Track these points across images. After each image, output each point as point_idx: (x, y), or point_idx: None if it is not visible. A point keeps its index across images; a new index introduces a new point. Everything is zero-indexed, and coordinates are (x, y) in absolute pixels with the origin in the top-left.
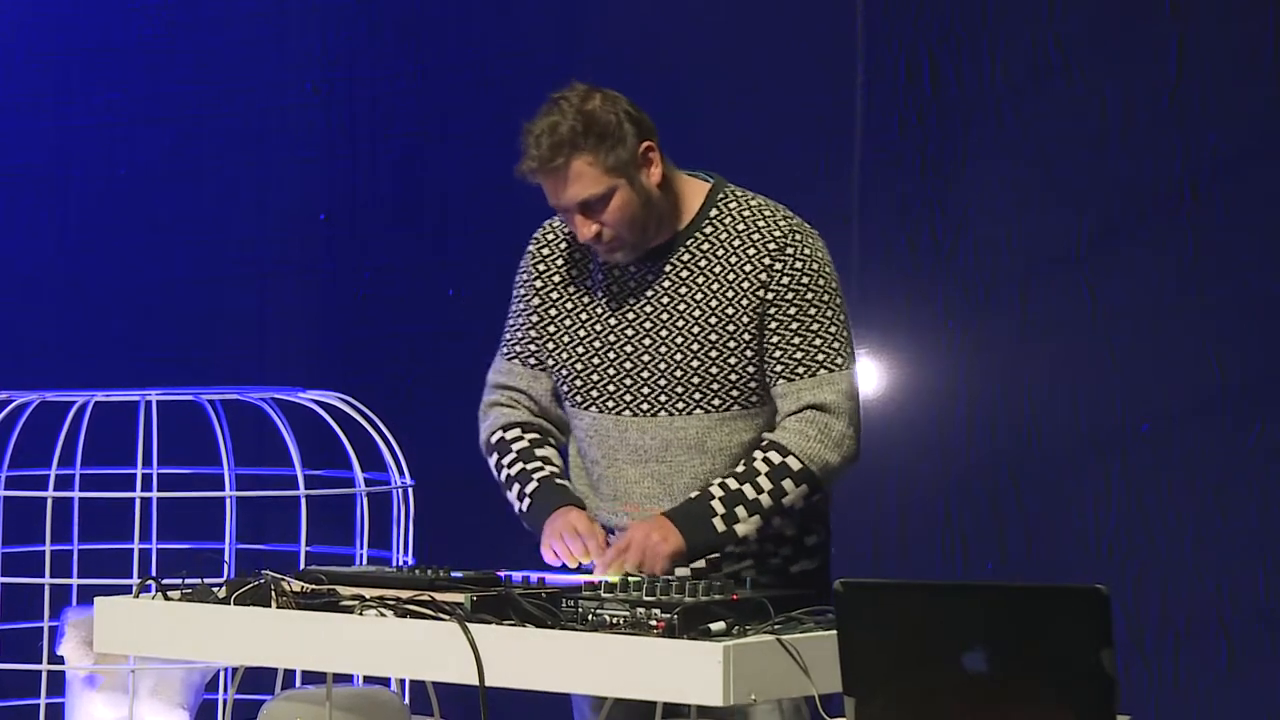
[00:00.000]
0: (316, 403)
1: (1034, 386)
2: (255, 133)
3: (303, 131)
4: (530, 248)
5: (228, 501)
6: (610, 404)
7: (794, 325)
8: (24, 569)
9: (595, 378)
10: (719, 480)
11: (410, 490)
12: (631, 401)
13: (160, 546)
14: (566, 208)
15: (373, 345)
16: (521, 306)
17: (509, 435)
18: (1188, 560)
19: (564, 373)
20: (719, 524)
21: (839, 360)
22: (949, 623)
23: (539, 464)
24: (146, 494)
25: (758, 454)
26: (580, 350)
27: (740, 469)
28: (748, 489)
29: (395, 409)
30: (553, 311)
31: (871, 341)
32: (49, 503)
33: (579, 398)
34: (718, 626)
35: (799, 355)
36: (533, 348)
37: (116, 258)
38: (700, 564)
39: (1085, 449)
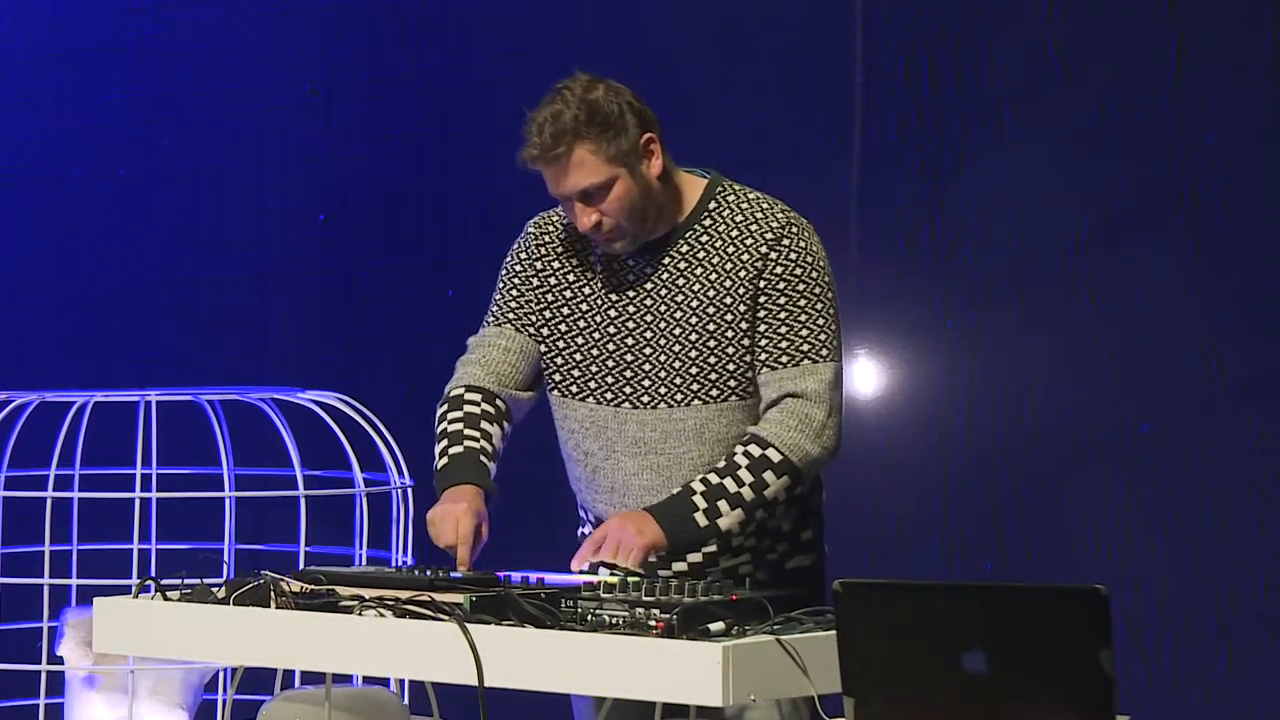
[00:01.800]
0: (316, 403)
1: (1033, 387)
2: (255, 133)
3: (303, 132)
4: (530, 229)
5: (227, 502)
6: (609, 395)
7: (782, 315)
8: (23, 569)
9: (594, 369)
10: (700, 475)
11: (409, 490)
12: (631, 394)
13: (159, 547)
14: (567, 196)
15: (372, 345)
16: (516, 282)
17: (467, 395)
18: (1187, 561)
19: (559, 361)
20: (701, 519)
21: (824, 352)
22: (948, 623)
23: (476, 434)
24: (146, 494)
25: (739, 448)
26: (579, 341)
27: (722, 463)
28: (729, 482)
29: (394, 409)
30: (550, 297)
31: (870, 341)
32: (48, 503)
33: (575, 388)
34: (717, 627)
35: (783, 344)
36: (524, 313)
37: (116, 258)
38: (697, 558)
39: (1084, 449)
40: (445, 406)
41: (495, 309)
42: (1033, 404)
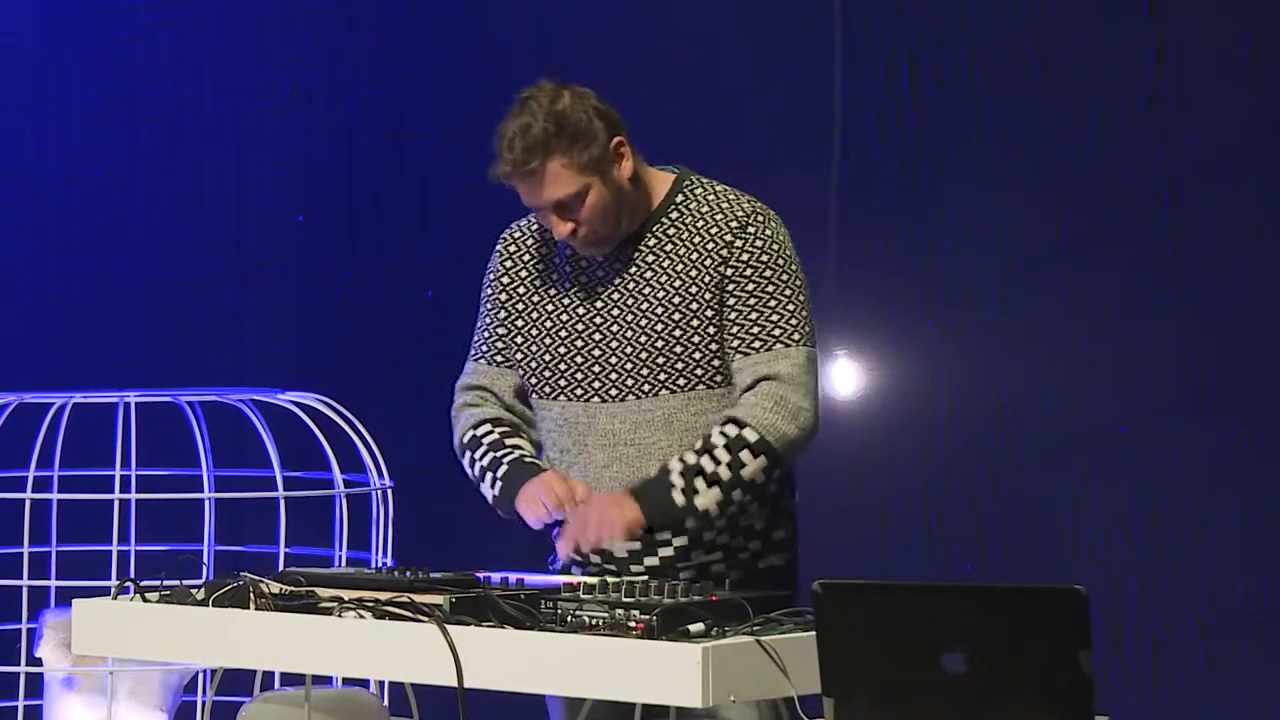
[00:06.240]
0: (295, 404)
1: (1013, 388)
2: (234, 134)
3: (283, 133)
4: (498, 247)
5: (206, 503)
6: (579, 391)
7: (751, 301)
8: (1, 570)
9: (563, 366)
10: (678, 455)
11: (389, 492)
12: (600, 388)
13: (139, 548)
14: (541, 207)
15: (352, 346)
16: (489, 307)
17: (480, 431)
18: (1166, 562)
19: (533, 365)
20: (678, 497)
21: (796, 336)
22: (927, 624)
23: (509, 450)
24: (125, 496)
25: (715, 428)
26: (548, 341)
27: (699, 444)
28: (706, 461)
29: (375, 410)
30: (520, 306)
31: (850, 342)
32: (27, 504)
33: (548, 388)
34: (697, 628)
35: (755, 330)
36: (499, 345)
37: (95, 259)
38: (669, 553)
39: (1064, 450)
40: (467, 452)
41: (476, 340)
42: (1013, 405)
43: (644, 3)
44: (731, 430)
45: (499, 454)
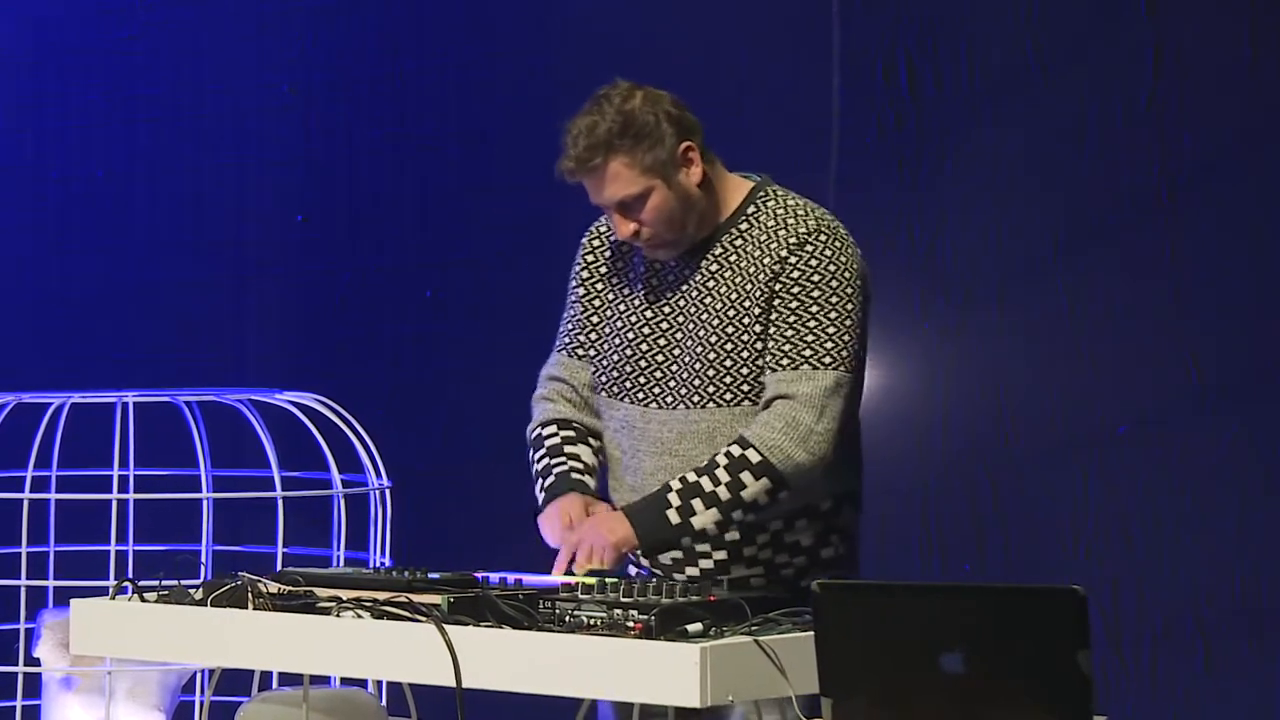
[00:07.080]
0: (293, 404)
1: (1011, 388)
2: (234, 134)
3: (281, 133)
4: (582, 241)
5: (205, 503)
6: (640, 395)
7: (791, 319)
8: (0, 570)
9: (629, 369)
10: (681, 474)
11: (388, 492)
12: (659, 394)
13: (137, 548)
14: (605, 206)
15: (351, 346)
16: (572, 299)
17: (545, 432)
18: (1165, 561)
19: (603, 364)
20: (673, 516)
21: (827, 359)
22: (926, 624)
23: (562, 460)
24: (123, 495)
25: (723, 447)
26: (617, 342)
27: (703, 462)
28: (705, 481)
29: (374, 410)
30: (596, 303)
31: None
32: (25, 504)
33: (615, 388)
34: (695, 628)
35: (787, 348)
36: (580, 338)
37: (94, 259)
38: (709, 565)
39: (1062, 451)
40: (531, 450)
41: (560, 330)
42: (1011, 405)
43: (644, 3)
44: (735, 450)
45: (552, 462)
